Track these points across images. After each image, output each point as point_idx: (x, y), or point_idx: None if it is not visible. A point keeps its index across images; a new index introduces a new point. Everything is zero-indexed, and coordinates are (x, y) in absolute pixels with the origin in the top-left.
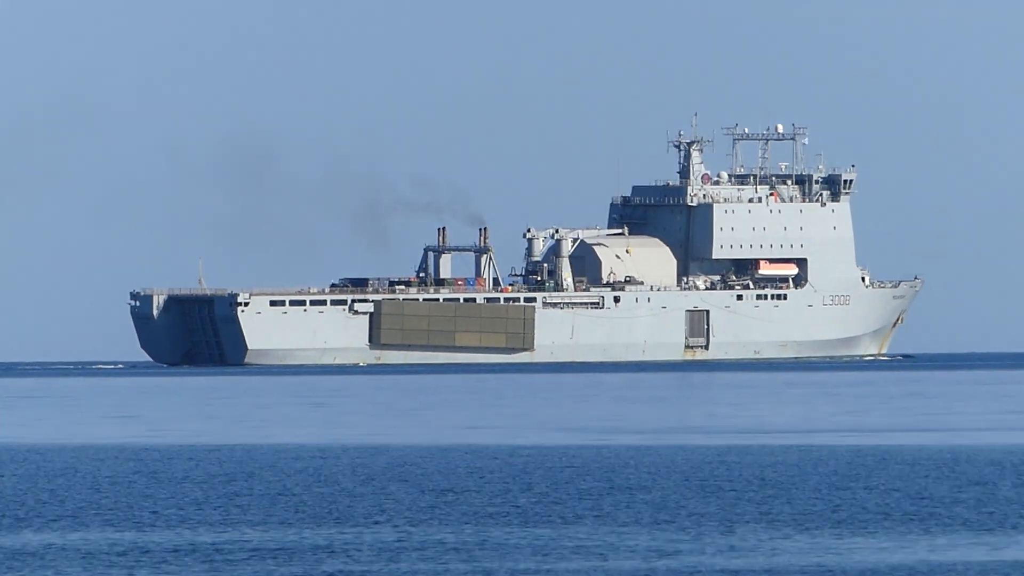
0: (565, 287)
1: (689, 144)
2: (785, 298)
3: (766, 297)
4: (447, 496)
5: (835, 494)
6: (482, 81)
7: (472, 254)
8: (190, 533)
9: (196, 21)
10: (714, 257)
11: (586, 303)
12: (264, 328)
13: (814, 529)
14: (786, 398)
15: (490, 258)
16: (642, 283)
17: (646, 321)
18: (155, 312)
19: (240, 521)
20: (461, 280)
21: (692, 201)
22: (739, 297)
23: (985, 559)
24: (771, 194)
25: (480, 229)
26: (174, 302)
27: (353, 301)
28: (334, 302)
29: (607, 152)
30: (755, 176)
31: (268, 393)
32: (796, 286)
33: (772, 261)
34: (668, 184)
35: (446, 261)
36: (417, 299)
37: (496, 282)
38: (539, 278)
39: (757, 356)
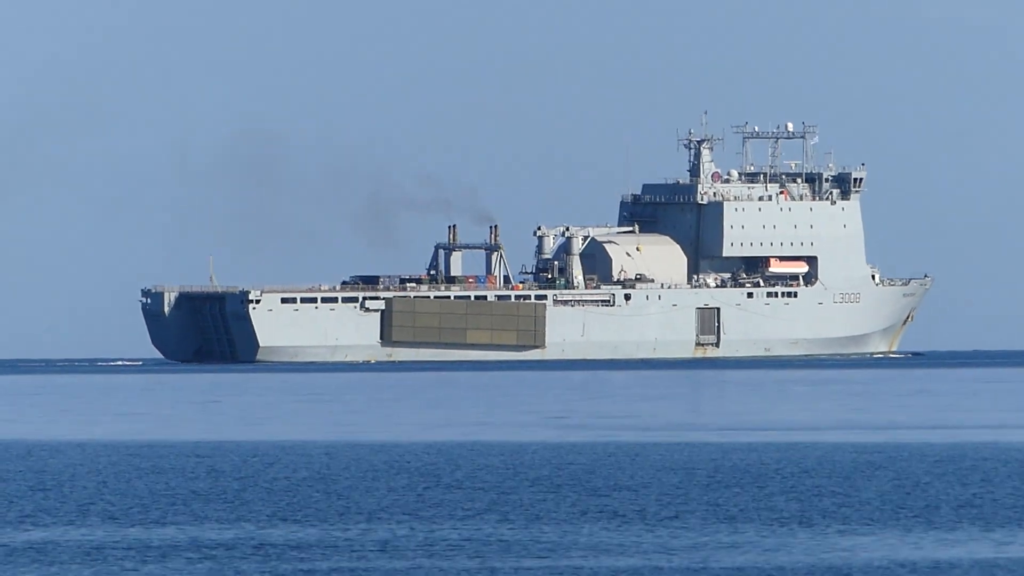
0: (576, 285)
1: (699, 142)
2: (795, 296)
3: (776, 295)
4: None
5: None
6: (493, 79)
7: (483, 252)
8: (240, 529)
9: (206, 20)
10: (724, 255)
11: (597, 301)
12: (275, 325)
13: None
14: (827, 396)
15: (501, 256)
16: (652, 281)
17: (657, 319)
18: (166, 309)
19: (289, 518)
20: (472, 278)
21: (702, 199)
22: (749, 295)
23: None
24: (781, 192)
25: (491, 227)
26: (185, 299)
27: (364, 299)
28: (345, 300)
29: (617, 150)
30: (765, 174)
31: (287, 391)
32: (806, 284)
33: (782, 259)
34: (678, 182)
35: (457, 259)
36: (428, 297)
37: (507, 280)
38: (550, 276)
39: (767, 353)
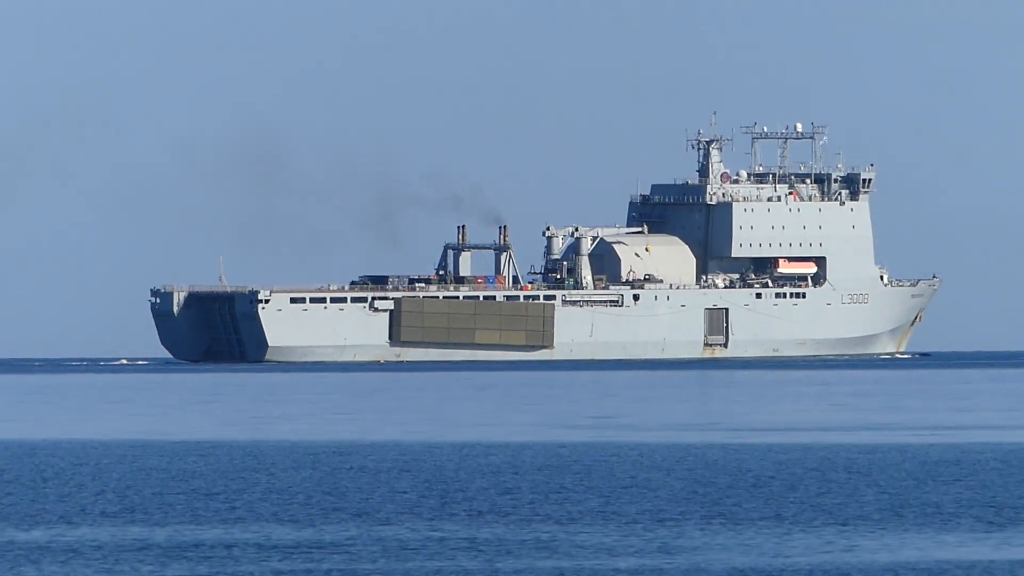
0: (584, 285)
1: (708, 143)
2: (804, 296)
3: (785, 295)
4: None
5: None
6: (502, 79)
7: (492, 252)
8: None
9: (214, 20)
10: (733, 256)
11: (605, 301)
12: (284, 325)
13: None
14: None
15: (510, 256)
16: (661, 281)
17: (665, 319)
18: (175, 309)
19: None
20: (481, 278)
21: (711, 200)
22: (758, 295)
23: None
24: (790, 193)
25: (500, 227)
26: (194, 299)
27: (373, 299)
28: (354, 299)
29: (626, 150)
30: (774, 175)
31: (306, 389)
32: (815, 285)
33: (791, 260)
34: (687, 183)
35: (466, 259)
36: (437, 297)
37: (516, 280)
38: (558, 276)
39: (776, 354)
